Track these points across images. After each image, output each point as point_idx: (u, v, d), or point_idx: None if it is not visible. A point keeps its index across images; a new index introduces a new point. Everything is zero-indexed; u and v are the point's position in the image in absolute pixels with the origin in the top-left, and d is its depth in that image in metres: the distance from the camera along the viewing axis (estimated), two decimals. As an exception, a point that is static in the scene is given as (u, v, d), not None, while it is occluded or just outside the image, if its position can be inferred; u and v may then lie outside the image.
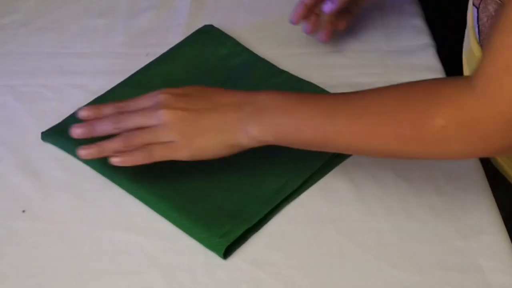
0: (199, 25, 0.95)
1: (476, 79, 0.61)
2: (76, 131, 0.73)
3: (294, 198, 0.76)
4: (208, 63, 0.90)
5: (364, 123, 0.67)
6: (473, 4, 0.79)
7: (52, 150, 0.81)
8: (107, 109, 0.74)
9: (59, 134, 0.81)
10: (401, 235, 0.73)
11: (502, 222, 0.74)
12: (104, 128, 0.73)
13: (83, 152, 0.73)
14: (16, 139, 0.82)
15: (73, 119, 0.83)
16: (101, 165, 0.78)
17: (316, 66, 0.91)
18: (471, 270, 0.70)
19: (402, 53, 0.93)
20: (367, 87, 0.87)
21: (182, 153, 0.71)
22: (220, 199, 0.75)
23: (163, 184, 0.76)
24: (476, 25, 0.77)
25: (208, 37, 0.93)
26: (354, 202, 0.76)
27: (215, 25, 0.96)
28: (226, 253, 0.70)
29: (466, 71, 0.87)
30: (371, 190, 0.76)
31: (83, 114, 0.74)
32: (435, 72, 0.90)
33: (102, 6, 0.99)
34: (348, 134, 0.68)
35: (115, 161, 0.71)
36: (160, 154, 0.71)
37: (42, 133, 0.81)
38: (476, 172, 0.78)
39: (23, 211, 0.75)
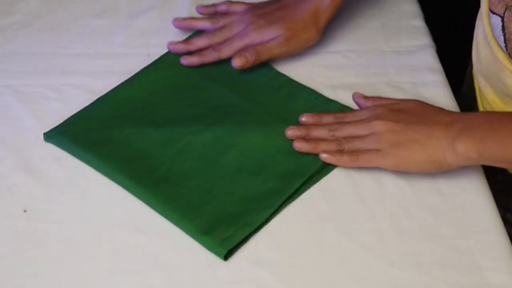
0: (200, 25, 0.95)
1: None
2: (290, 133, 0.78)
3: (295, 198, 0.76)
4: (208, 68, 0.90)
5: None
6: (493, 12, 0.78)
7: (52, 150, 0.81)
8: (327, 118, 0.80)
9: (61, 135, 0.81)
10: (401, 235, 0.73)
11: (502, 222, 0.74)
12: (320, 133, 0.78)
13: (299, 144, 0.77)
14: (16, 139, 0.82)
15: (75, 119, 0.83)
16: (103, 166, 0.78)
17: (316, 66, 0.91)
18: (471, 270, 0.70)
19: (402, 53, 0.93)
20: (366, 88, 0.88)
21: (386, 162, 0.74)
22: (222, 202, 0.75)
23: (165, 186, 0.76)
24: (501, 34, 0.77)
25: None
26: (354, 202, 0.76)
27: (216, 26, 0.96)
28: (226, 255, 0.71)
29: (480, 77, 0.86)
30: (371, 190, 0.77)
31: (303, 120, 0.80)
32: (435, 73, 0.90)
33: (102, 7, 0.99)
34: None
35: (324, 157, 0.76)
36: (365, 159, 0.75)
37: (45, 133, 0.82)
38: (476, 172, 0.78)
39: (24, 211, 0.75)
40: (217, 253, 0.71)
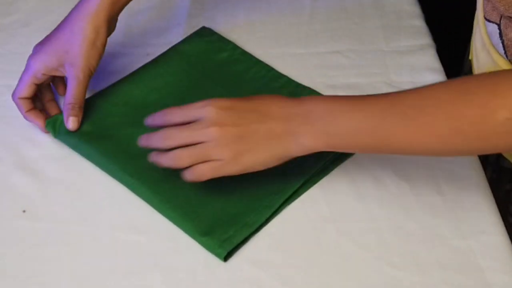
0: (199, 25, 0.95)
1: None
2: (142, 142, 0.74)
3: (295, 198, 0.76)
4: (208, 68, 0.90)
5: (420, 123, 0.65)
6: (488, 20, 0.78)
7: (52, 150, 0.81)
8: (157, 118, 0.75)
9: (61, 125, 0.81)
10: (401, 235, 0.73)
11: (502, 222, 0.74)
12: (156, 144, 0.72)
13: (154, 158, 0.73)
14: (16, 139, 0.82)
15: None
16: (103, 162, 0.78)
17: (316, 66, 0.91)
18: (471, 270, 0.70)
19: (402, 53, 0.93)
20: (366, 87, 0.88)
21: (232, 169, 0.70)
22: (222, 203, 0.75)
23: (166, 186, 0.76)
24: (499, 41, 0.77)
25: (207, 40, 0.93)
26: (354, 202, 0.76)
27: (215, 25, 0.96)
28: (226, 256, 0.71)
29: None
30: (371, 190, 0.77)
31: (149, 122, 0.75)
32: (435, 72, 0.90)
33: (102, 6, 0.99)
34: (403, 135, 0.66)
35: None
36: (210, 174, 0.70)
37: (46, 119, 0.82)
38: (476, 172, 0.78)
39: (24, 211, 0.75)
40: (217, 254, 0.70)
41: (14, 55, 0.92)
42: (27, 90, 0.82)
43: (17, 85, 0.83)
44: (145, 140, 0.73)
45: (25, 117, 0.82)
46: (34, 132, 0.82)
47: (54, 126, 0.81)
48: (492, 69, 0.80)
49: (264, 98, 0.72)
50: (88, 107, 0.84)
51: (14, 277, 0.70)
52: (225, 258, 0.70)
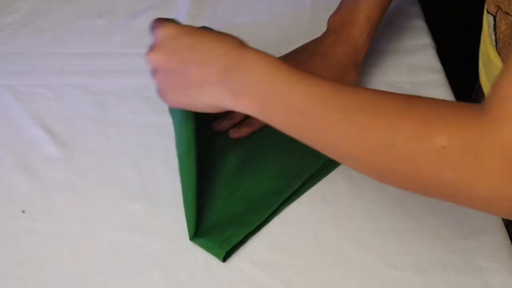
0: (199, 25, 0.95)
1: (490, 101, 0.53)
2: None
3: (294, 199, 0.76)
4: None
5: (357, 122, 0.59)
6: (488, 12, 0.79)
7: (52, 150, 0.81)
8: None
9: None
10: (401, 235, 0.73)
11: (502, 222, 0.74)
12: None
13: None
14: (16, 139, 0.82)
15: None
16: None
17: (316, 66, 0.91)
18: (471, 270, 0.70)
19: (402, 53, 0.93)
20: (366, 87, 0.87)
21: (166, 101, 0.69)
22: (221, 202, 0.75)
23: None
24: (493, 33, 0.77)
25: None
26: (354, 202, 0.76)
27: (215, 25, 0.95)
28: (225, 256, 0.70)
29: (483, 75, 0.86)
30: (371, 190, 0.77)
31: None
32: (435, 72, 0.90)
33: (102, 6, 0.99)
34: (337, 129, 0.60)
35: None
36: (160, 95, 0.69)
37: None
38: (476, 172, 0.78)
39: (23, 211, 0.75)
40: (216, 254, 0.70)
41: (14, 55, 0.92)
42: None
43: None
44: None
45: None
46: (34, 132, 0.82)
47: None
48: (485, 59, 0.80)
49: (212, 37, 0.67)
50: None
51: (13, 277, 0.69)
52: (224, 258, 0.70)
